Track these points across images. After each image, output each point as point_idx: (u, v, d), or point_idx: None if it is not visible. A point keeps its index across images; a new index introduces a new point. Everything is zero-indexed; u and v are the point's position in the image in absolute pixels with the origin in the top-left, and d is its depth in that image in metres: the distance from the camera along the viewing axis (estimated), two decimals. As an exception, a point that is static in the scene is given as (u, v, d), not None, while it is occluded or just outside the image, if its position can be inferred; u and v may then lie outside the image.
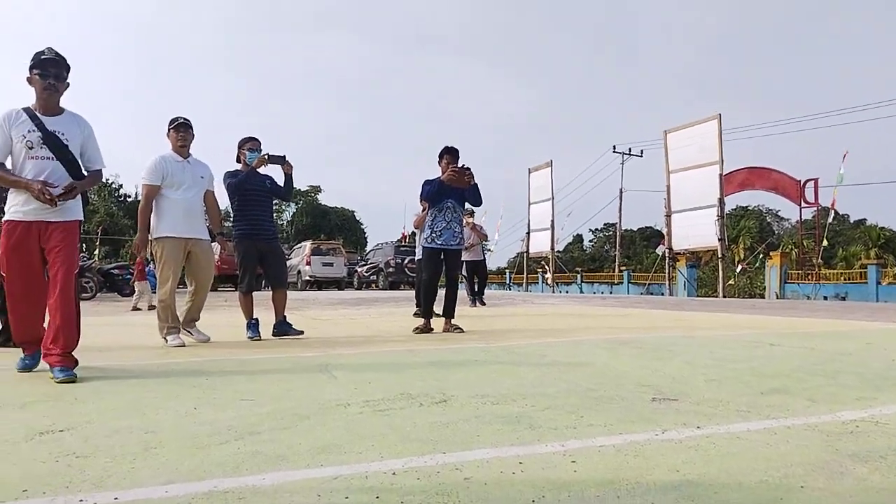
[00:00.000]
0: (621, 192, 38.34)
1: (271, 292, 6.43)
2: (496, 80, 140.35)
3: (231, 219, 6.39)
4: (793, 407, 3.01)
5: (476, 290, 12.26)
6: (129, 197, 51.25)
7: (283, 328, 6.26)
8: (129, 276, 18.54)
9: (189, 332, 5.85)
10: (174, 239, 5.58)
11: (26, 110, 3.94)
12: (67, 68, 3.96)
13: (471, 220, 12.20)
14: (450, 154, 6.73)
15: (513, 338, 6.11)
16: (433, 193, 6.66)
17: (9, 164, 3.92)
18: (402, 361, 4.55)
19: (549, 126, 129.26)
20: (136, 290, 12.51)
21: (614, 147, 38.04)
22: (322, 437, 2.42)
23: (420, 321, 6.93)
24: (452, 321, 6.82)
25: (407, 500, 1.76)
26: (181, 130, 5.66)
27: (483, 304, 12.09)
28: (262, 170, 6.27)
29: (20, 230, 3.89)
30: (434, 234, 6.75)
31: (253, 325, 6.13)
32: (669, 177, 23.25)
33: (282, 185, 6.42)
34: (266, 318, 6.26)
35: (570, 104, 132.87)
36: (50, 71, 3.88)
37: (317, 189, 57.81)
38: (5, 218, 3.92)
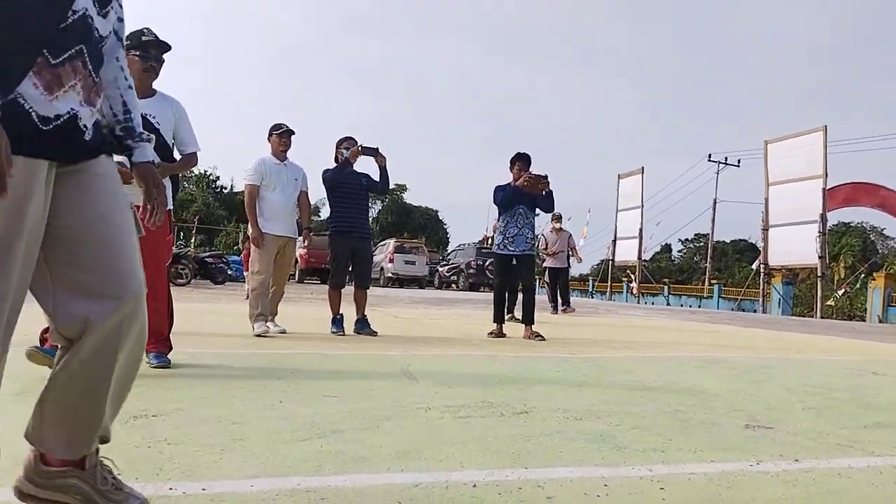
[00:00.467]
0: (715, 202, 37.03)
1: (354, 289, 6.53)
2: (589, 83, 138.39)
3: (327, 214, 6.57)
4: (902, 445, 2.79)
5: (559, 296, 11.99)
6: (226, 188, 53.35)
7: (361, 326, 6.36)
8: (222, 266, 19.31)
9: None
10: (270, 236, 5.96)
11: None
12: (167, 50, 3.78)
13: (558, 225, 12.03)
14: (521, 160, 6.77)
15: (597, 350, 5.97)
16: (507, 199, 6.68)
17: None
18: (483, 367, 4.51)
19: (641, 131, 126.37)
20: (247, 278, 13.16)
21: (709, 156, 36.76)
22: (403, 441, 2.41)
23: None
24: (533, 328, 6.75)
25: (488, 515, 1.72)
26: (284, 137, 6.11)
27: (572, 309, 11.83)
28: (357, 167, 6.45)
29: None
30: (507, 241, 6.77)
31: (338, 321, 6.25)
32: (768, 189, 22.26)
33: (377, 179, 6.52)
34: (347, 314, 6.36)
35: (665, 110, 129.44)
36: (151, 53, 3.74)
37: (402, 187, 58.47)
38: None
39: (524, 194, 6.62)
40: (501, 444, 2.43)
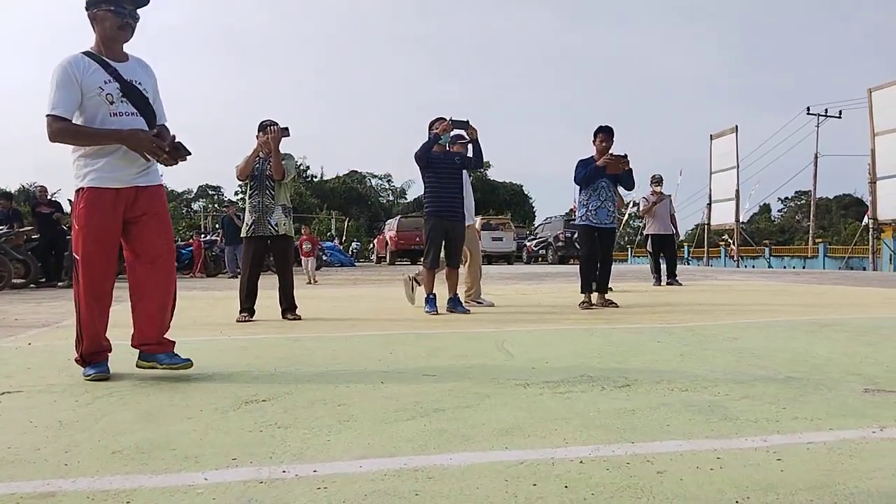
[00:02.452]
0: (816, 157, 35.05)
1: (446, 269, 6.57)
2: (674, 41, 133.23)
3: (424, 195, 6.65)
4: None
5: (666, 267, 10.97)
6: (315, 177, 54.67)
7: (453, 305, 6.42)
8: (317, 252, 19.82)
9: (478, 302, 7.27)
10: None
11: (90, 55, 3.15)
12: (143, 5, 3.21)
13: (659, 188, 11.18)
14: (604, 132, 6.81)
15: (697, 318, 5.78)
16: (587, 178, 6.77)
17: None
18: (580, 341, 4.46)
19: (733, 88, 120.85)
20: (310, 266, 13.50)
21: (808, 108, 34.78)
22: (504, 418, 2.41)
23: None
24: (606, 296, 7.00)
25: (597, 492, 1.69)
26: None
27: (679, 283, 10.66)
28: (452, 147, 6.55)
29: (107, 200, 3.14)
30: (589, 213, 6.86)
31: (431, 300, 6.32)
32: (874, 139, 20.84)
33: (470, 154, 6.51)
34: (440, 293, 6.42)
35: (757, 64, 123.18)
36: (126, 7, 3.14)
37: (486, 164, 58.29)
38: (86, 185, 3.12)
39: (611, 170, 6.70)
40: (605, 419, 2.40)
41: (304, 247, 13.76)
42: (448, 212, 6.43)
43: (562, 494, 1.68)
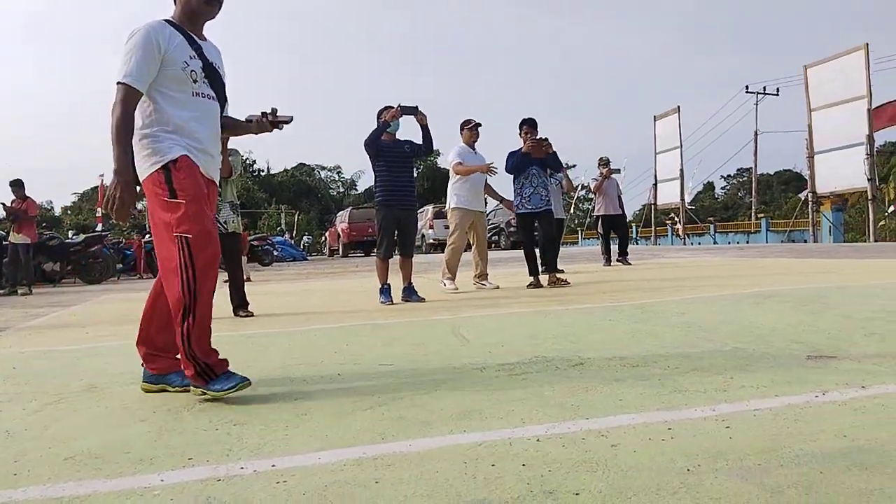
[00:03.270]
0: (756, 134, 36.02)
1: (399, 258, 6.57)
2: (613, 27, 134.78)
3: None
4: (974, 363, 2.72)
5: (618, 245, 11.13)
6: (263, 171, 53.89)
7: (408, 294, 6.42)
8: (268, 247, 19.60)
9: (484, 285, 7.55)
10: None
11: (174, 26, 2.74)
12: None
13: (605, 169, 11.17)
14: (528, 125, 7.40)
15: (645, 296, 5.91)
16: (516, 165, 7.27)
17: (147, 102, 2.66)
18: (533, 324, 4.51)
19: (674, 70, 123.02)
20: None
21: (747, 87, 35.65)
22: (462, 402, 2.43)
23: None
24: (557, 275, 7.37)
25: (554, 468, 1.73)
26: (475, 130, 7.44)
27: (628, 263, 10.72)
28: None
29: (199, 174, 2.73)
30: (524, 200, 7.32)
31: (385, 291, 6.31)
32: (811, 115, 21.51)
33: (420, 142, 6.49)
34: (394, 283, 6.41)
35: (696, 45, 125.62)
36: None
37: (435, 153, 58.24)
38: (177, 155, 2.64)
39: (533, 158, 7.20)
40: (560, 397, 2.44)
41: None
42: (399, 201, 6.40)
43: (520, 473, 1.71)
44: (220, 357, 2.68)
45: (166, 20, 2.75)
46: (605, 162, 11.23)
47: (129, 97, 2.58)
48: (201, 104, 2.77)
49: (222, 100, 2.92)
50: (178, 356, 2.70)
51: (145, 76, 2.60)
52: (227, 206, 5.91)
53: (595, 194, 11.47)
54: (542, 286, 7.12)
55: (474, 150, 7.46)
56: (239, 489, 1.70)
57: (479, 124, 7.49)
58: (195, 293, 2.58)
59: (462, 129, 7.49)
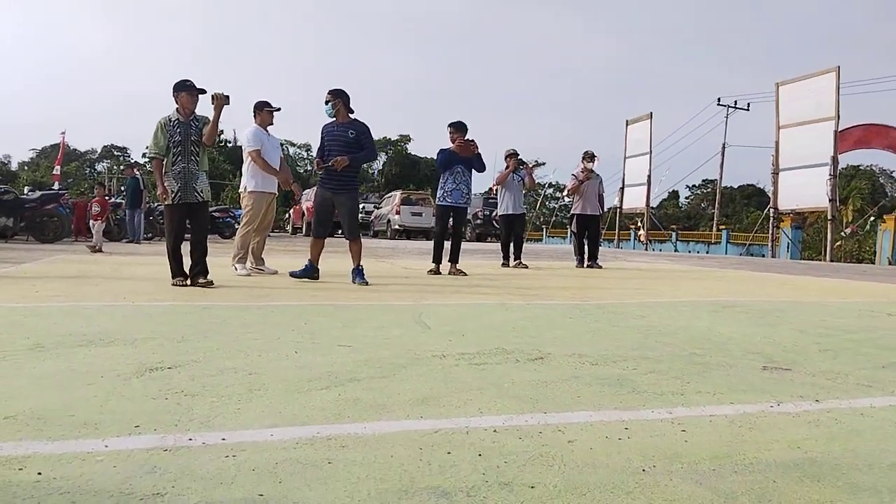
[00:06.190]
0: (724, 147, 36.59)
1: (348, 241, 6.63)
2: (592, 29, 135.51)
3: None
4: (921, 385, 2.78)
5: (588, 248, 10.53)
6: (230, 143, 53.03)
7: (353, 275, 6.35)
8: (229, 220, 19.28)
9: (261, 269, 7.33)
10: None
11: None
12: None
13: (590, 165, 10.64)
14: (454, 127, 7.94)
15: (607, 296, 5.95)
16: (444, 161, 7.90)
17: None
18: (495, 315, 4.50)
19: (649, 77, 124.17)
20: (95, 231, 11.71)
21: (719, 100, 36.17)
22: (420, 388, 2.40)
23: (501, 269, 7.80)
24: (458, 266, 7.85)
25: (510, 459, 1.71)
26: (272, 114, 7.32)
27: (599, 266, 10.35)
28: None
29: None
30: (445, 193, 7.95)
31: (308, 267, 6.49)
32: (779, 132, 21.92)
33: (366, 147, 6.57)
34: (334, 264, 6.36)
35: (673, 54, 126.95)
36: None
37: (406, 138, 57.96)
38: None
39: (461, 156, 7.82)
40: (519, 390, 2.42)
41: (93, 209, 12.00)
42: (330, 181, 6.46)
43: (475, 462, 1.68)
44: None
45: None
46: (589, 156, 10.61)
47: None
48: None
49: None
50: None
51: None
52: (203, 175, 5.92)
53: (573, 195, 10.87)
54: (440, 274, 7.71)
55: (268, 133, 7.35)
56: (186, 460, 1.64)
57: (278, 109, 7.34)
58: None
59: (261, 109, 7.27)
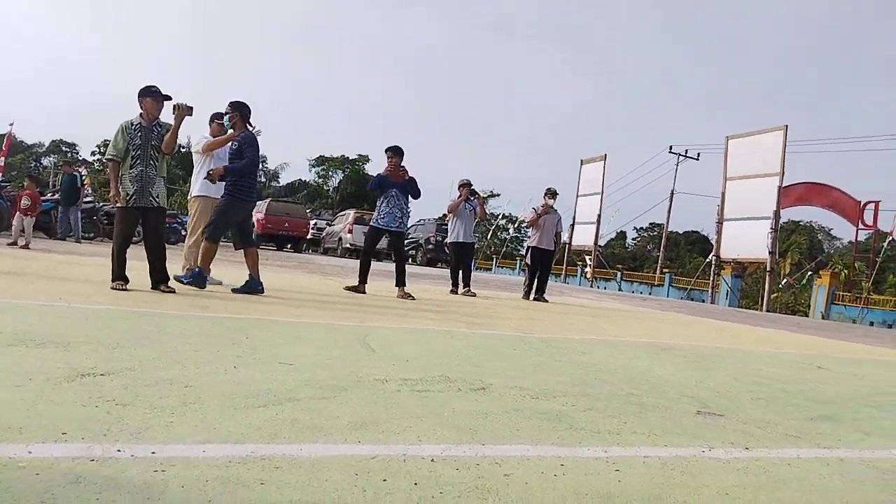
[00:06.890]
0: (672, 193, 37.60)
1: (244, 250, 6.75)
2: (554, 67, 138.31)
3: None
4: (845, 437, 2.88)
5: (537, 282, 10.68)
6: (183, 148, 52.07)
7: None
8: (176, 226, 18.84)
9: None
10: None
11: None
12: None
13: (551, 201, 10.78)
14: (392, 151, 8.10)
15: (551, 330, 6.02)
16: (377, 185, 8.16)
17: None
18: (440, 342, 4.50)
19: (604, 119, 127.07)
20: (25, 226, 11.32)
21: (671, 147, 37.24)
22: (360, 412, 2.38)
23: (448, 295, 7.77)
24: (405, 290, 7.91)
25: (446, 490, 1.70)
26: (222, 125, 6.90)
27: (545, 300, 10.47)
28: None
29: None
30: (380, 217, 8.15)
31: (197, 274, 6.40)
32: (726, 184, 22.69)
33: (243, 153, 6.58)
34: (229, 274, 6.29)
35: (629, 99, 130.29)
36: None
37: (364, 158, 57.88)
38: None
39: (395, 181, 8.02)
40: (459, 420, 2.42)
41: (22, 203, 11.55)
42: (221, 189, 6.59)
43: (410, 491, 1.67)
44: None
45: None
46: (551, 193, 10.79)
47: None
48: None
49: None
50: None
51: None
52: (161, 181, 5.88)
53: (531, 227, 11.06)
54: (364, 293, 7.71)
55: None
56: (113, 472, 1.59)
57: (222, 123, 6.96)
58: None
59: (212, 121, 7.17)
